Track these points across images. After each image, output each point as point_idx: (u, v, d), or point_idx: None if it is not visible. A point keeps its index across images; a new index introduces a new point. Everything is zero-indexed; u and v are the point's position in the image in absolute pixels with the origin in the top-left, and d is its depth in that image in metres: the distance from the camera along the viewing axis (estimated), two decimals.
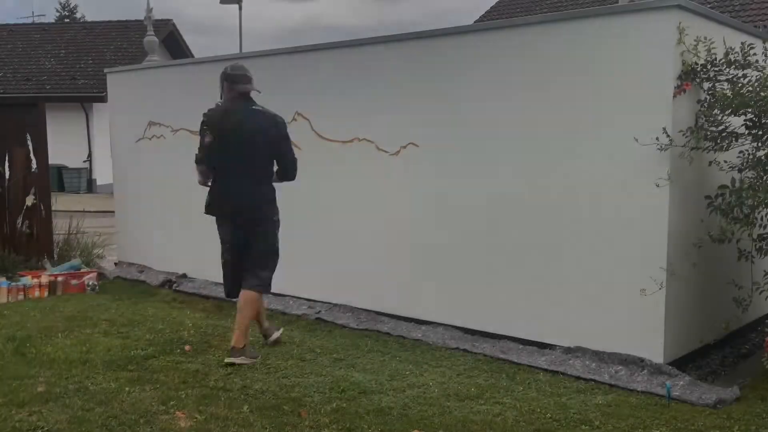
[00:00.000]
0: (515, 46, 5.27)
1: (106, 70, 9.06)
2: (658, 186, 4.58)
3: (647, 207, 4.68)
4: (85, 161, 23.73)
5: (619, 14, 4.77)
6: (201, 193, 5.25)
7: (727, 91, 4.47)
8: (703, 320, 5.05)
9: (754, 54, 4.65)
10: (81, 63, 24.35)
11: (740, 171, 4.66)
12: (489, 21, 15.06)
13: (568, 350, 5.05)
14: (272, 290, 5.04)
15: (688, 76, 4.62)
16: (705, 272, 5.04)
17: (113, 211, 9.11)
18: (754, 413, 4.08)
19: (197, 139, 5.25)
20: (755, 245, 4.69)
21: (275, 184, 5.15)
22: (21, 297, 6.92)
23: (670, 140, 4.49)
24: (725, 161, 4.79)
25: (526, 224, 5.29)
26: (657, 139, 4.52)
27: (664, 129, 4.50)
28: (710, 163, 4.81)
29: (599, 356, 4.89)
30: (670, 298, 4.70)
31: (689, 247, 4.77)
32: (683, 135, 4.61)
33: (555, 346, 5.14)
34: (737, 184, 4.49)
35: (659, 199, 4.63)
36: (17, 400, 4.17)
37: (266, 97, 7.33)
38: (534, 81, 5.16)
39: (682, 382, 4.48)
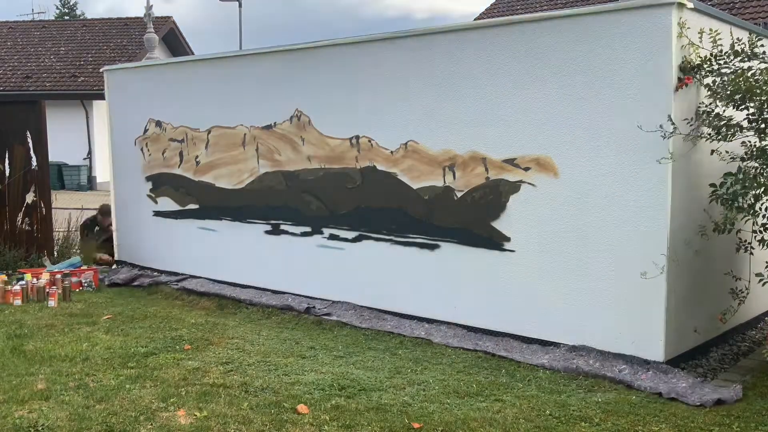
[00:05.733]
0: (518, 41, 5.27)
1: (104, 68, 9.03)
2: (660, 163, 4.57)
3: (648, 198, 4.69)
4: (85, 158, 23.74)
5: (620, 12, 4.76)
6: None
7: (734, 77, 4.45)
8: (702, 317, 5.05)
9: (762, 45, 4.63)
10: (81, 60, 24.34)
11: (743, 161, 4.65)
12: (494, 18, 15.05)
13: (572, 348, 5.05)
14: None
15: (689, 71, 4.62)
16: (704, 269, 5.04)
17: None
18: (753, 410, 4.08)
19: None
20: (756, 236, 4.70)
21: None
22: (21, 295, 6.91)
23: (674, 127, 4.49)
24: (727, 152, 4.79)
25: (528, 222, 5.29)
26: (661, 126, 4.52)
27: (669, 116, 4.50)
28: (712, 152, 4.81)
29: (602, 355, 4.89)
30: (671, 296, 4.70)
31: (691, 237, 4.77)
32: (687, 123, 4.63)
33: (559, 344, 5.14)
34: (741, 174, 4.49)
35: (660, 190, 4.63)
36: (17, 397, 4.17)
37: (266, 94, 7.33)
38: (537, 76, 5.16)
39: (682, 380, 4.49)
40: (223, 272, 7.48)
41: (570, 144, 5.02)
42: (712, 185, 4.64)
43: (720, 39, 4.67)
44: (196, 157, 7.66)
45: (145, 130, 8.30)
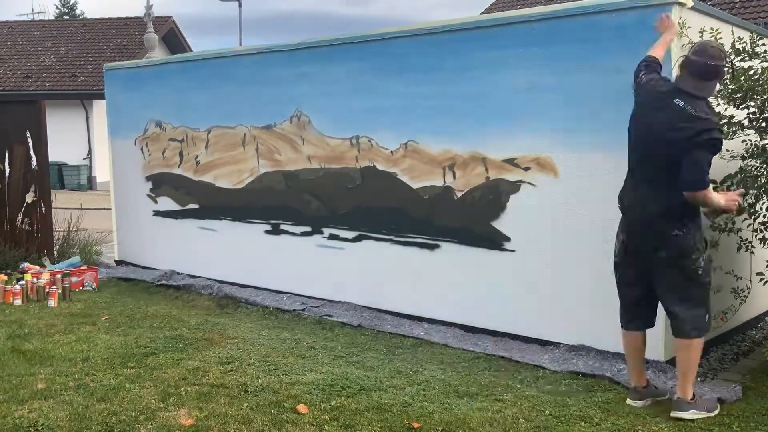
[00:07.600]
0: (518, 39, 5.26)
1: (104, 66, 9.02)
2: None
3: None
4: (85, 158, 23.75)
5: (620, 10, 4.76)
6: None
7: (736, 75, 4.45)
8: None
9: (763, 44, 4.63)
10: (81, 60, 24.34)
11: (744, 159, 4.65)
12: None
13: (572, 348, 5.05)
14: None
15: None
16: None
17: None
18: (753, 410, 4.09)
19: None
20: (756, 235, 4.69)
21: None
22: (21, 295, 6.90)
23: None
24: (727, 150, 4.79)
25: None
26: None
27: None
28: None
29: (602, 354, 4.89)
30: None
31: None
32: None
33: (558, 344, 5.14)
34: (742, 173, 4.49)
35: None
36: (17, 397, 4.17)
37: (266, 93, 7.31)
38: (537, 74, 5.15)
39: None
40: (223, 272, 7.48)
41: (570, 143, 5.02)
42: (713, 182, 4.63)
43: (720, 38, 4.66)
44: (196, 156, 7.67)
45: (145, 130, 8.29)
